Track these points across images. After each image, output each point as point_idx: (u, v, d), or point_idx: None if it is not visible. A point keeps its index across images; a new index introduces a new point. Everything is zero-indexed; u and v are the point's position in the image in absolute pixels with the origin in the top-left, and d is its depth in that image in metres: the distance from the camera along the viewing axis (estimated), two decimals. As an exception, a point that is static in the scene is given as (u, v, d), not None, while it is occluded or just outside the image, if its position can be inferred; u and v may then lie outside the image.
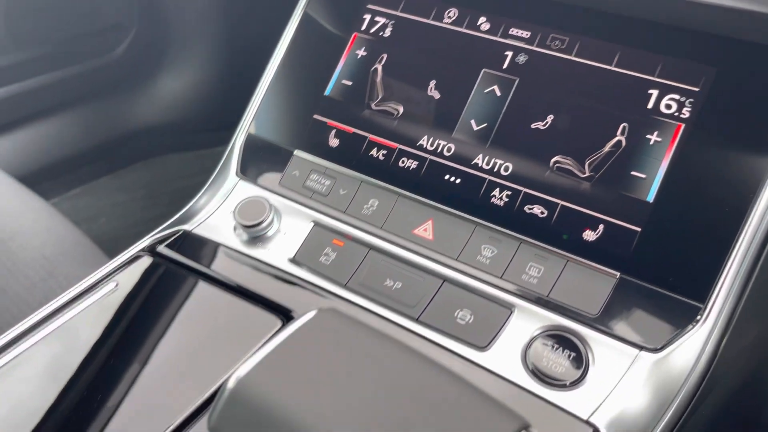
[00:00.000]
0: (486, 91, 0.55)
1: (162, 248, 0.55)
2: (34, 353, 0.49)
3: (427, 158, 0.55)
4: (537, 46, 0.54)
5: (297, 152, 0.59)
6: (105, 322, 0.49)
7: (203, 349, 0.47)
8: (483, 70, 0.55)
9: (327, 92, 0.60)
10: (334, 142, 0.58)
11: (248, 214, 0.55)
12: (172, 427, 0.41)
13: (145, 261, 0.54)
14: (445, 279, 0.50)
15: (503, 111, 0.54)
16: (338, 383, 0.33)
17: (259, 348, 0.35)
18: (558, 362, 0.45)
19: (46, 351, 0.49)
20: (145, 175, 1.57)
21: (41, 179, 1.31)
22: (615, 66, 0.51)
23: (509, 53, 0.55)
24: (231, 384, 0.34)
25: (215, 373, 0.44)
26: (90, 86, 1.40)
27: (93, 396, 0.45)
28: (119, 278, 0.52)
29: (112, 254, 0.61)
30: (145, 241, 0.56)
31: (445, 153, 0.54)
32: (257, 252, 0.55)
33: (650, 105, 0.49)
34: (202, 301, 0.50)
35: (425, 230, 0.53)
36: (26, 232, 0.84)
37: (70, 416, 0.44)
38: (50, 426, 0.43)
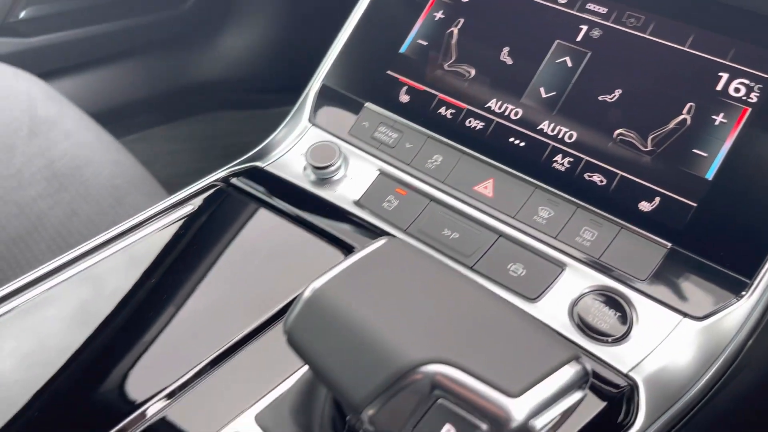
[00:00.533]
0: (558, 61, 0.57)
1: (235, 180, 0.59)
2: (116, 263, 0.53)
3: (493, 120, 0.57)
4: (612, 22, 0.56)
5: (368, 104, 0.62)
6: (183, 240, 0.53)
7: (271, 272, 0.50)
8: (557, 41, 0.57)
9: (402, 50, 0.62)
10: (404, 98, 0.61)
11: (319, 157, 0.58)
12: (243, 334, 0.44)
13: (221, 189, 0.57)
14: (501, 234, 0.53)
15: (573, 81, 0.56)
16: (405, 300, 0.36)
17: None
18: (604, 319, 0.47)
19: (126, 263, 0.53)
20: (199, 128, 1.62)
21: (105, 121, 1.37)
22: (688, 47, 0.53)
23: (584, 27, 0.57)
24: (307, 293, 0.37)
25: (282, 292, 0.47)
26: (158, 36, 1.45)
27: (168, 304, 0.49)
28: (196, 202, 0.56)
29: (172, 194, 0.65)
30: (220, 173, 0.60)
31: (512, 117, 0.57)
32: (324, 192, 0.58)
33: (719, 87, 0.51)
34: (271, 230, 0.54)
35: (485, 188, 0.55)
36: (98, 163, 0.89)
37: (149, 320, 0.48)
38: (135, 328, 0.47)
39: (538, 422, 0.32)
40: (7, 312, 0.49)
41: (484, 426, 0.32)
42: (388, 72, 0.62)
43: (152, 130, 1.56)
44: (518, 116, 0.56)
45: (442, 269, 0.38)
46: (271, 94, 1.62)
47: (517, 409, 0.32)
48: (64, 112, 0.99)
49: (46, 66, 1.20)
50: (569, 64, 0.56)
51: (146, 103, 1.52)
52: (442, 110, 0.59)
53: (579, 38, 0.57)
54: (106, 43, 1.36)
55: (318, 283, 0.38)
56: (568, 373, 0.33)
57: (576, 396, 0.34)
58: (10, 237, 0.81)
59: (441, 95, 0.60)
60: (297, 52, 1.53)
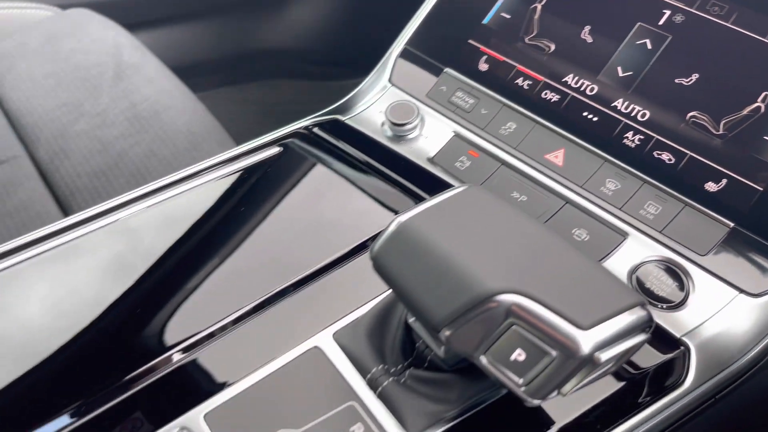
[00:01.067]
0: (638, 42, 0.59)
1: (317, 130, 0.63)
2: (199, 196, 0.57)
3: (569, 94, 0.59)
4: (696, 9, 0.57)
5: (447, 70, 0.65)
6: (268, 179, 0.57)
7: (349, 212, 0.54)
8: (638, 23, 0.59)
9: (485, 21, 0.65)
10: (483, 67, 0.64)
11: (398, 114, 0.62)
12: (327, 262, 0.48)
13: (304, 137, 0.61)
14: (568, 201, 0.56)
15: (651, 63, 0.58)
16: (485, 238, 0.39)
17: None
18: (661, 287, 0.49)
19: (211, 196, 0.57)
20: (260, 94, 1.67)
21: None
22: (769, 38, 0.54)
23: (667, 12, 0.59)
24: (394, 225, 0.41)
25: (360, 230, 0.51)
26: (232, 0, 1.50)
27: (257, 233, 0.52)
28: (277, 147, 0.60)
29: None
30: (303, 122, 0.64)
31: (588, 92, 0.59)
32: (399, 148, 0.61)
33: (796, 79, 0.52)
34: (349, 178, 0.57)
35: (556, 157, 0.58)
36: (176, 109, 0.94)
37: (241, 244, 0.52)
38: (228, 252, 0.51)
39: (603, 355, 0.35)
40: (82, 235, 0.53)
41: (554, 353, 0.35)
42: (470, 41, 0.65)
43: (217, 90, 1.61)
44: (593, 92, 0.59)
45: (521, 214, 0.41)
46: (333, 67, 1.66)
47: (586, 340, 0.35)
48: (147, 60, 1.04)
49: (129, 18, 1.26)
50: (649, 46, 0.58)
51: (214, 63, 1.57)
52: (519, 81, 0.62)
53: (661, 22, 0.58)
54: (184, 2, 1.41)
55: (404, 217, 0.41)
56: (634, 315, 0.36)
57: (639, 338, 0.37)
58: (93, 170, 0.87)
59: (519, 66, 0.62)
60: (362, 28, 1.57)
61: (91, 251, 0.52)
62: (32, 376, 0.42)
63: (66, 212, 0.85)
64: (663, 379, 0.46)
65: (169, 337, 0.44)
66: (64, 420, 0.39)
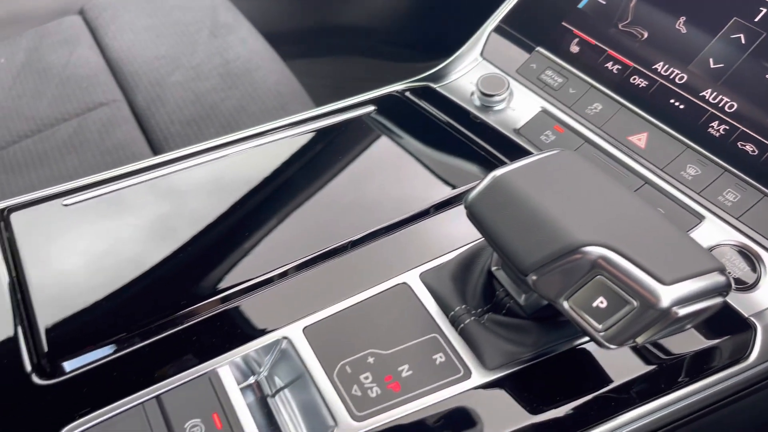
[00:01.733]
0: (732, 36, 0.60)
1: (409, 94, 0.66)
2: (291, 146, 0.61)
3: (657, 81, 0.61)
4: (795, 8, 0.59)
5: (539, 49, 0.67)
6: (359, 133, 0.61)
7: (439, 171, 0.57)
8: (734, 18, 0.61)
9: (580, 5, 0.67)
10: (574, 49, 0.66)
11: (489, 85, 0.65)
12: (414, 213, 0.52)
13: (397, 98, 0.65)
14: (647, 181, 0.58)
15: (743, 57, 0.59)
16: (576, 196, 0.42)
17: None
18: (734, 268, 0.51)
19: (301, 147, 0.61)
20: (332, 68, 1.71)
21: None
22: None
23: (764, 9, 0.60)
24: (489, 178, 0.44)
25: (447, 187, 0.54)
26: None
27: (348, 181, 0.56)
28: (373, 105, 0.64)
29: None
30: (396, 86, 0.68)
31: (677, 81, 0.61)
32: (488, 117, 0.64)
33: None
34: (437, 139, 0.61)
35: (639, 139, 0.60)
36: (265, 70, 0.99)
37: (331, 192, 0.56)
38: (316, 196, 0.55)
39: (681, 310, 0.38)
40: (168, 174, 0.57)
41: (635, 303, 0.38)
42: (564, 23, 0.67)
43: (292, 61, 1.66)
44: (683, 81, 0.60)
45: (612, 179, 0.44)
46: (405, 48, 1.69)
47: (666, 294, 0.37)
48: (240, 22, 1.09)
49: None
50: (743, 41, 0.60)
51: (293, 34, 1.62)
52: (609, 65, 0.64)
53: (757, 19, 0.60)
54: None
55: (499, 171, 0.44)
56: (714, 278, 0.39)
57: (715, 300, 0.39)
58: (185, 119, 0.92)
59: (610, 51, 0.64)
60: (438, 12, 1.59)
61: (195, 185, 0.57)
62: (147, 288, 0.47)
63: (158, 155, 0.91)
64: (728, 353, 0.48)
65: (281, 258, 0.48)
66: (191, 320, 0.44)
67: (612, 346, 0.39)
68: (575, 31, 0.67)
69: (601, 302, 0.39)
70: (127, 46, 1.06)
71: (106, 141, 0.92)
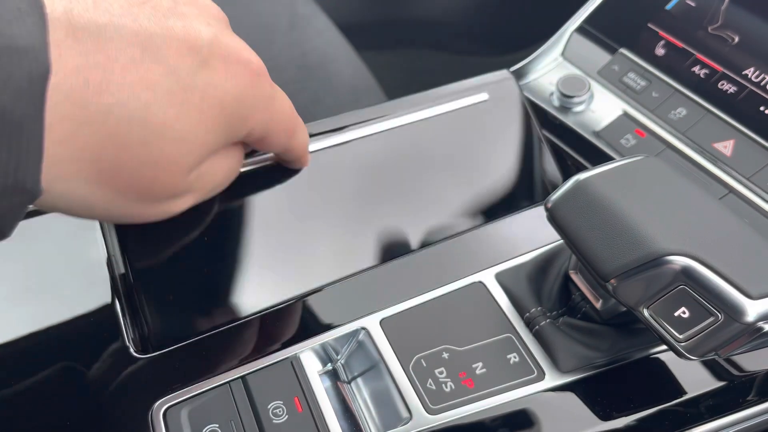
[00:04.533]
0: (831, 43, 0.58)
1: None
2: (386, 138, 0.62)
3: (747, 87, 0.60)
4: None
5: (622, 50, 0.66)
6: (441, 130, 0.61)
7: (517, 171, 0.57)
8: (835, 23, 0.58)
9: (668, 7, 0.66)
10: (659, 51, 0.65)
11: (570, 86, 0.64)
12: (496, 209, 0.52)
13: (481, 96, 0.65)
14: (732, 190, 0.56)
15: (842, 65, 0.57)
16: (661, 203, 0.42)
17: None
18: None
19: (392, 138, 0.62)
20: (401, 61, 1.72)
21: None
22: None
23: None
24: (573, 180, 0.44)
25: (527, 188, 0.55)
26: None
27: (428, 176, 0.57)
28: (455, 103, 0.65)
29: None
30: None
31: (768, 87, 0.59)
32: (566, 119, 0.64)
33: None
34: (519, 136, 0.61)
35: (725, 146, 0.59)
36: (341, 63, 1.01)
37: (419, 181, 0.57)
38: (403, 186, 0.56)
39: (767, 326, 0.37)
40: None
41: (719, 315, 0.37)
42: (650, 24, 0.66)
43: (362, 52, 1.68)
44: (775, 88, 0.58)
45: (699, 187, 0.43)
46: (474, 43, 1.68)
47: (753, 308, 0.37)
48: (317, 14, 1.11)
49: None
50: (843, 47, 0.57)
51: (364, 25, 1.63)
52: (696, 69, 0.62)
53: None
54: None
55: (583, 175, 0.44)
56: (804, 295, 0.38)
57: (805, 318, 0.38)
58: (263, 108, 0.95)
59: (698, 55, 0.63)
60: (511, 8, 1.57)
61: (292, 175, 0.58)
62: (238, 273, 0.49)
63: (236, 143, 0.94)
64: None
65: (363, 253, 0.49)
66: (269, 300, 0.47)
67: (692, 357, 0.38)
68: (661, 33, 0.65)
69: (683, 312, 0.39)
70: (208, 35, 1.09)
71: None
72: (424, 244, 0.50)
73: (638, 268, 0.39)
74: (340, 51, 1.03)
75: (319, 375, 0.43)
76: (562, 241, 0.50)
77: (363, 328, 0.44)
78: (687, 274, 0.38)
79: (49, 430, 0.39)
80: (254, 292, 0.46)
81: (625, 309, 0.44)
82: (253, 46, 1.06)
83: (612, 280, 0.40)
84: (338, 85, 0.95)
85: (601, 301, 0.45)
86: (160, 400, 0.40)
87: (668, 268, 0.39)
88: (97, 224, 0.51)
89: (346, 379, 0.44)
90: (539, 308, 0.46)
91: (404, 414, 0.41)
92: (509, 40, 1.62)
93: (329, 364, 0.44)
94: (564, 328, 0.45)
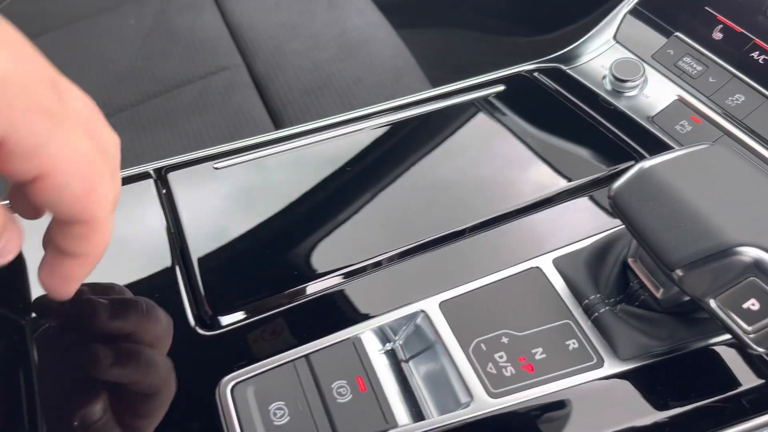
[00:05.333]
0: None
1: (538, 75, 0.66)
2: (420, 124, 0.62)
3: (810, 74, 0.58)
4: None
5: (677, 34, 0.65)
6: (498, 112, 0.61)
7: (572, 157, 0.57)
8: None
9: (727, -10, 0.64)
10: (717, 36, 0.63)
11: (623, 71, 0.63)
12: (545, 196, 0.52)
13: (526, 80, 0.65)
14: (791, 179, 0.55)
15: None
16: (728, 193, 0.41)
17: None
18: None
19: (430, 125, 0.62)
20: (431, 39, 1.70)
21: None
22: None
23: None
24: (637, 168, 0.43)
25: (583, 173, 0.54)
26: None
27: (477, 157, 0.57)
28: (502, 85, 0.64)
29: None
30: (524, 66, 0.67)
31: (831, 74, 0.57)
32: (619, 103, 0.63)
33: None
34: (572, 124, 0.60)
35: (784, 135, 0.58)
36: (382, 41, 1.00)
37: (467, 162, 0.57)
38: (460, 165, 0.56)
39: (840, 320, 0.37)
40: (317, 143, 0.58)
41: (792, 307, 0.37)
42: (707, 8, 0.65)
43: (401, 31, 1.66)
44: (838, 75, 0.57)
45: (766, 176, 0.43)
46: (508, 22, 1.66)
47: (826, 302, 0.36)
48: (356, -8, 1.10)
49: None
50: None
51: (403, 4, 1.62)
52: (755, 54, 0.61)
53: None
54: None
55: (647, 163, 0.44)
56: None
57: None
58: (303, 87, 0.95)
59: (757, 40, 0.61)
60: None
61: (343, 155, 0.58)
62: (296, 253, 0.49)
63: (276, 122, 0.94)
64: None
65: (418, 233, 0.50)
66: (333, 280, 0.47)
67: (760, 350, 0.38)
68: (719, 17, 0.64)
69: (752, 304, 0.38)
70: (248, 12, 1.09)
71: (227, 105, 0.96)
72: (480, 228, 0.50)
73: (707, 258, 0.39)
74: (380, 30, 1.03)
75: (379, 354, 0.43)
76: (619, 227, 0.50)
77: (422, 311, 0.45)
78: (758, 266, 0.38)
79: (116, 405, 0.40)
80: (316, 272, 0.47)
81: (687, 299, 0.44)
82: (294, 23, 1.06)
83: (678, 270, 0.40)
84: (379, 65, 0.95)
85: (661, 289, 0.45)
86: (227, 377, 0.41)
87: (738, 260, 0.38)
88: (157, 199, 0.51)
89: (404, 358, 0.44)
90: (598, 295, 0.46)
91: (464, 397, 0.41)
92: (549, 19, 1.59)
93: (387, 344, 0.45)
94: (622, 315, 0.45)
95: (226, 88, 0.98)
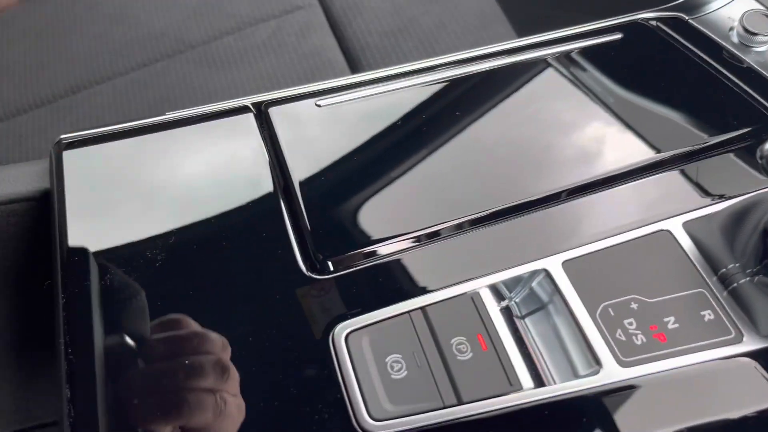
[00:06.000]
0: None
1: (656, 23, 0.61)
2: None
3: None
4: None
5: (817, -15, 0.59)
6: (610, 64, 0.56)
7: (695, 113, 0.52)
8: None
9: None
10: None
11: (755, 23, 0.57)
12: (662, 157, 0.48)
13: (646, 28, 0.59)
14: None
15: None
16: None
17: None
18: None
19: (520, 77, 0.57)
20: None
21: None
22: None
23: None
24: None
25: (701, 135, 0.50)
26: None
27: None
28: (609, 35, 0.59)
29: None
30: (641, 14, 0.62)
31: None
32: (747, 57, 0.58)
33: None
34: (695, 79, 0.55)
35: None
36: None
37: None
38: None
39: None
40: (424, 85, 0.55)
41: None
42: None
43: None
44: None
45: None
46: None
47: None
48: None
49: None
50: None
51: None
52: None
53: None
54: None
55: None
56: None
57: None
58: (383, 30, 0.91)
59: None
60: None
61: (454, 99, 0.54)
62: (410, 197, 0.46)
63: (352, 65, 0.90)
64: None
65: (540, 184, 0.46)
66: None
67: None
68: None
69: None
70: (323, -51, 1.04)
71: (302, 45, 0.93)
72: (605, 185, 0.46)
73: None
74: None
75: (497, 312, 0.40)
76: (759, 192, 0.46)
77: (544, 269, 0.42)
78: None
79: (235, 340, 0.38)
80: (432, 219, 0.44)
81: (842, 273, 0.40)
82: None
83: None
84: (465, 10, 0.90)
85: (812, 262, 0.41)
86: (340, 325, 0.38)
87: None
88: (258, 134, 0.48)
89: (519, 316, 0.42)
90: (736, 264, 0.42)
91: (591, 364, 0.38)
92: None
93: (503, 301, 0.42)
94: (762, 287, 0.41)
95: (301, 28, 0.94)
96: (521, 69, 0.57)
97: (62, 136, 0.47)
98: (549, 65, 0.57)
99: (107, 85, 0.94)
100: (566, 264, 0.42)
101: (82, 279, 0.39)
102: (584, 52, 0.58)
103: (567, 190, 0.45)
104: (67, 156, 0.46)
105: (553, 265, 0.42)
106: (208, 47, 0.95)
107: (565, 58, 0.58)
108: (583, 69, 0.56)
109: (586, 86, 0.54)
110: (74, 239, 0.41)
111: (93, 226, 0.42)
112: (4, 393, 0.50)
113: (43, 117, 0.92)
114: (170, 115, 0.49)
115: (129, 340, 0.37)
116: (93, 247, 0.41)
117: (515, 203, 0.44)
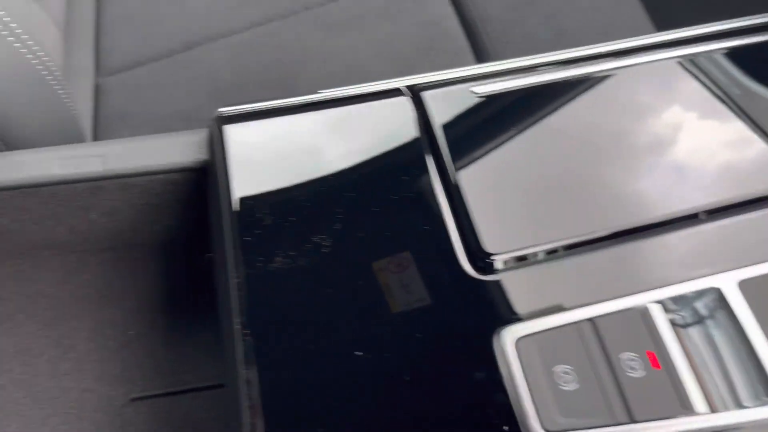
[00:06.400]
0: None
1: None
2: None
3: None
4: None
5: None
6: None
7: None
8: None
9: None
10: None
11: None
12: None
13: None
14: None
15: None
16: None
17: None
18: None
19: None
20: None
21: None
22: None
23: None
24: None
25: None
26: None
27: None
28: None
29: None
30: (814, 7, 0.57)
31: None
32: None
33: None
34: None
35: None
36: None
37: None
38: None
39: None
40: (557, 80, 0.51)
41: None
42: None
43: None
44: None
45: None
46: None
47: None
48: None
49: None
50: None
51: None
52: None
53: None
54: None
55: None
56: None
57: None
58: (507, 3, 0.87)
59: None
60: None
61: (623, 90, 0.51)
62: (575, 201, 0.44)
63: (471, 38, 0.88)
64: None
65: (711, 194, 0.44)
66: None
67: None
68: None
69: None
70: None
71: (420, 13, 0.90)
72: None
73: None
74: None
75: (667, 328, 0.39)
76: None
77: (717, 288, 0.40)
78: None
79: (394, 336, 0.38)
80: (600, 223, 0.42)
81: None
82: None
83: None
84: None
85: None
86: (508, 328, 0.38)
87: None
88: (414, 121, 0.47)
89: (688, 334, 0.40)
90: None
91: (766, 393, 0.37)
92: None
93: (672, 317, 0.40)
94: None
95: (419, -5, 0.92)
96: (687, 67, 0.53)
97: (220, 110, 0.47)
98: (711, 63, 0.53)
99: (222, 42, 0.94)
100: (743, 284, 0.40)
101: (255, 260, 0.39)
102: (741, 51, 0.54)
103: (746, 200, 0.43)
104: (228, 130, 0.46)
105: (728, 283, 0.40)
106: (323, 9, 0.94)
107: (726, 58, 0.54)
108: (743, 71, 0.52)
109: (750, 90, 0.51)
110: (245, 218, 0.41)
111: (261, 202, 0.42)
112: (159, 356, 0.52)
113: (159, 71, 0.94)
114: (324, 93, 0.49)
115: (308, 328, 0.37)
116: (262, 228, 0.41)
117: (691, 211, 0.42)
